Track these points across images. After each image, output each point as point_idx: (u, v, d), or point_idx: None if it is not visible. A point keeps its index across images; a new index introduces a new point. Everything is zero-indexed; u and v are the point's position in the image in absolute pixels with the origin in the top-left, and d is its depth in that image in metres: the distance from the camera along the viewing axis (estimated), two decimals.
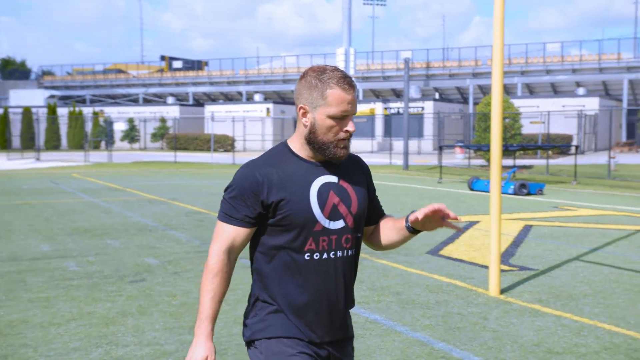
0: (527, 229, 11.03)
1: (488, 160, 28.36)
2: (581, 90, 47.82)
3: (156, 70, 74.04)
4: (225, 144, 49.96)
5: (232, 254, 2.29)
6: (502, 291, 6.69)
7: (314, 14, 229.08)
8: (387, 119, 48.83)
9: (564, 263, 8.16)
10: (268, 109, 54.25)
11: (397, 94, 57.30)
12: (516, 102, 38.20)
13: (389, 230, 2.45)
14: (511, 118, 30.33)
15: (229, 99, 66.19)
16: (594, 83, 51.25)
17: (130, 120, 55.41)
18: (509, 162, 28.94)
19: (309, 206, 2.24)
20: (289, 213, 2.23)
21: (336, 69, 2.26)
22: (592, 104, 43.73)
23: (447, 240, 9.83)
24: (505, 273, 7.50)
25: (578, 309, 6.04)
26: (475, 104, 50.41)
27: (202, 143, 51.49)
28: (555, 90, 53.17)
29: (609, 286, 6.93)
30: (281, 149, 2.33)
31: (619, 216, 12.90)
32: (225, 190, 2.28)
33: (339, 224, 2.27)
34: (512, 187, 17.58)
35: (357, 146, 48.27)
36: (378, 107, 50.51)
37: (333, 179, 2.30)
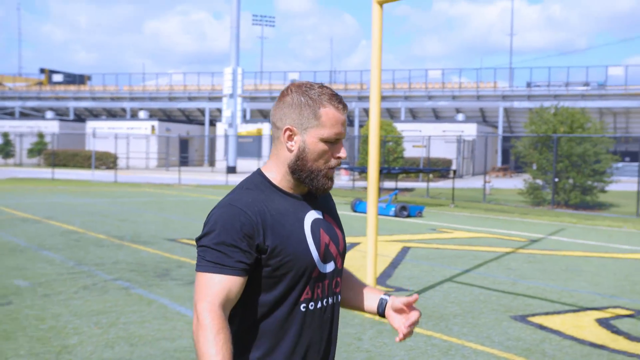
0: (405, 251, 11.33)
1: None
2: (460, 116, 49.87)
3: (35, 83, 71.22)
4: (108, 161, 48.57)
5: (226, 310, 1.82)
6: None
7: (202, 32, 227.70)
8: None
9: (438, 284, 8.43)
10: (153, 127, 53.28)
11: None
12: (399, 126, 39.32)
13: (351, 291, 2.20)
14: (394, 142, 31.19)
15: (112, 115, 64.54)
16: (472, 110, 53.58)
17: (5, 135, 52.93)
18: (391, 184, 29.73)
19: (307, 249, 1.93)
20: (289, 259, 1.88)
21: (323, 85, 2.00)
22: (470, 130, 45.65)
23: None
24: None
25: (448, 329, 6.26)
26: (361, 126, 51.54)
27: (82, 160, 49.81)
28: (437, 116, 55.18)
29: (478, 306, 7.23)
30: (260, 181, 1.98)
31: (491, 238, 13.49)
32: (203, 237, 1.86)
33: (331, 267, 2.00)
34: (393, 209, 18.03)
35: (244, 166, 48.16)
36: (265, 128, 50.65)
37: (319, 214, 2.03)
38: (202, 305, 1.79)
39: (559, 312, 7.02)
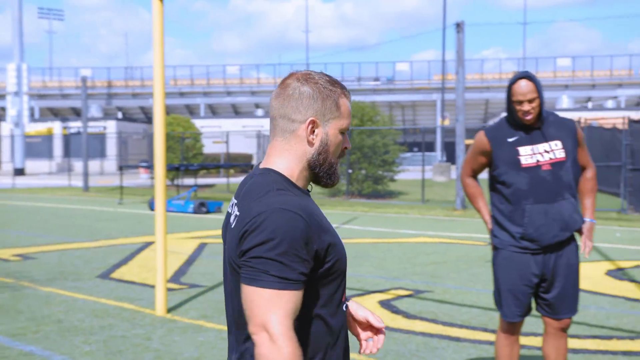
0: (202, 247, 11.28)
1: (171, 179, 28.55)
2: (260, 112, 50.56)
3: None
4: None
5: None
6: (169, 310, 6.74)
7: None
8: (67, 138, 46.70)
9: None
10: None
11: (78, 113, 55.11)
12: (199, 122, 39.11)
13: None
14: (193, 138, 30.92)
15: None
16: (269, 105, 54.44)
17: None
18: (190, 181, 29.46)
19: (343, 246, 1.83)
20: (337, 258, 1.77)
21: (326, 74, 1.88)
22: (267, 124, 46.31)
23: (120, 262, 9.65)
24: (174, 292, 7.58)
25: None
26: None
27: None
28: (236, 111, 55.50)
29: None
30: (282, 180, 1.79)
31: None
32: (258, 246, 1.65)
33: None
34: (191, 206, 17.88)
35: (34, 168, 45.39)
36: (56, 127, 48.08)
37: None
38: (277, 327, 1.61)
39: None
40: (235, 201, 1.84)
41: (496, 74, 53.05)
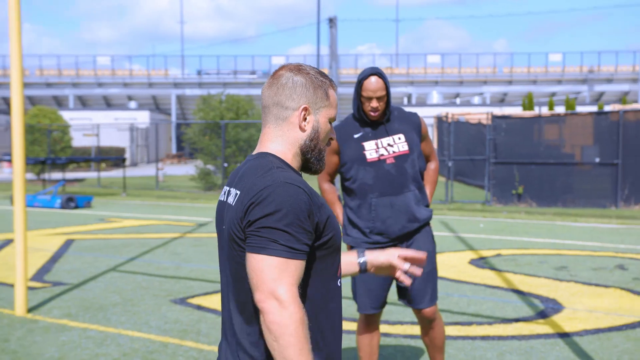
0: (68, 243, 10.85)
1: (37, 174, 27.28)
2: (133, 104, 49.18)
3: None
4: None
5: None
6: (30, 309, 6.43)
7: None
8: None
9: (101, 275, 8.21)
10: None
11: None
12: (67, 115, 37.59)
13: None
14: (60, 131, 29.68)
15: None
16: (144, 97, 53.18)
17: None
18: (58, 175, 28.24)
19: (338, 223, 1.95)
20: (334, 232, 1.88)
21: (314, 67, 2.00)
22: (143, 117, 45.26)
23: None
24: (36, 290, 7.24)
25: (106, 319, 6.12)
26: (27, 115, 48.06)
27: None
28: (108, 103, 53.75)
29: (139, 293, 7.19)
30: (275, 159, 1.89)
31: (160, 225, 13.52)
32: (266, 216, 1.73)
33: None
34: (59, 201, 17.16)
35: None
36: None
37: None
38: (285, 290, 1.69)
39: (217, 292, 7.26)
40: (229, 188, 1.94)
41: None
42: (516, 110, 30.67)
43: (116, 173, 33.82)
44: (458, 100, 51.48)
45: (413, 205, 3.84)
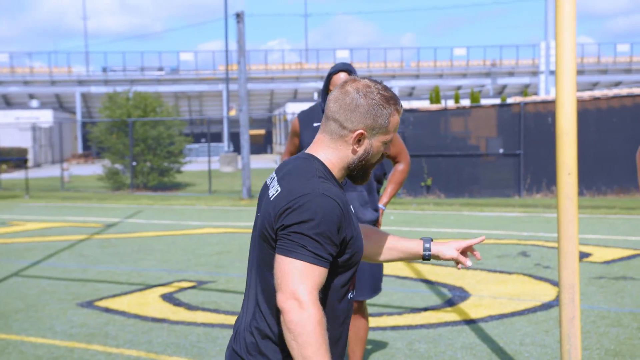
0: None
1: None
2: (35, 103, 47.48)
3: None
4: None
5: None
6: None
7: None
8: None
9: (2, 280, 7.89)
10: None
11: None
12: None
13: (389, 250, 2.30)
14: None
15: None
16: (47, 95, 51.37)
17: None
18: None
19: (362, 241, 2.02)
20: (357, 250, 1.96)
21: (386, 86, 2.00)
22: (46, 117, 43.75)
23: None
24: None
25: (7, 327, 5.88)
26: None
27: None
28: (8, 102, 51.69)
29: (44, 298, 6.94)
30: (325, 171, 1.97)
31: (66, 227, 13.11)
32: (300, 223, 1.82)
33: None
34: None
35: None
36: None
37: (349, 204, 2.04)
38: (306, 293, 1.78)
39: (126, 293, 7.11)
40: (276, 176, 2.02)
41: (280, 65, 54.20)
42: (423, 104, 31.33)
43: (18, 175, 32.55)
44: None
45: (355, 206, 3.87)
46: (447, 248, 2.28)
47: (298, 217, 1.83)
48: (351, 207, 2.02)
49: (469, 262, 2.28)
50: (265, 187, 2.05)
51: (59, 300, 6.85)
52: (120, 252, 9.83)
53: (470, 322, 5.74)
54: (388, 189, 4.22)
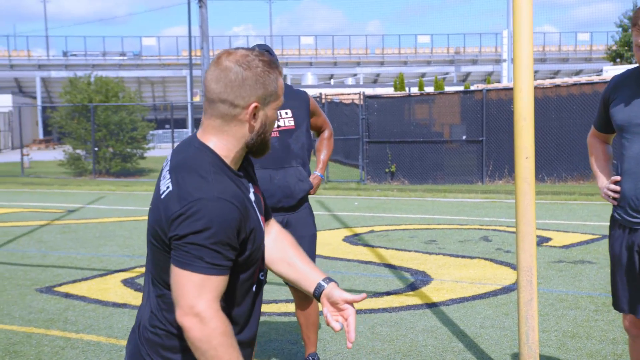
0: None
1: None
2: None
3: None
4: None
5: None
6: None
7: None
8: None
9: None
10: None
11: None
12: None
13: (286, 264, 2.07)
14: None
15: None
16: (6, 80, 50.37)
17: None
18: None
19: (263, 232, 1.91)
20: (257, 246, 1.86)
21: (260, 51, 1.88)
22: (5, 101, 42.90)
23: None
24: None
25: None
26: None
27: None
28: None
29: (1, 284, 6.82)
30: (216, 161, 1.81)
31: (26, 213, 12.90)
32: (195, 233, 1.69)
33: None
34: None
35: None
36: None
37: (252, 189, 1.93)
38: (206, 307, 1.69)
39: (87, 279, 7.03)
40: (167, 167, 1.88)
41: None
42: (388, 91, 31.42)
43: None
44: (332, 81, 52.13)
45: (292, 181, 3.87)
46: (341, 295, 1.99)
47: (193, 226, 1.70)
48: (257, 195, 1.93)
49: (337, 327, 1.96)
50: (159, 180, 1.91)
51: (18, 286, 6.75)
52: (81, 237, 9.71)
53: (432, 305, 5.79)
54: (321, 156, 4.26)
